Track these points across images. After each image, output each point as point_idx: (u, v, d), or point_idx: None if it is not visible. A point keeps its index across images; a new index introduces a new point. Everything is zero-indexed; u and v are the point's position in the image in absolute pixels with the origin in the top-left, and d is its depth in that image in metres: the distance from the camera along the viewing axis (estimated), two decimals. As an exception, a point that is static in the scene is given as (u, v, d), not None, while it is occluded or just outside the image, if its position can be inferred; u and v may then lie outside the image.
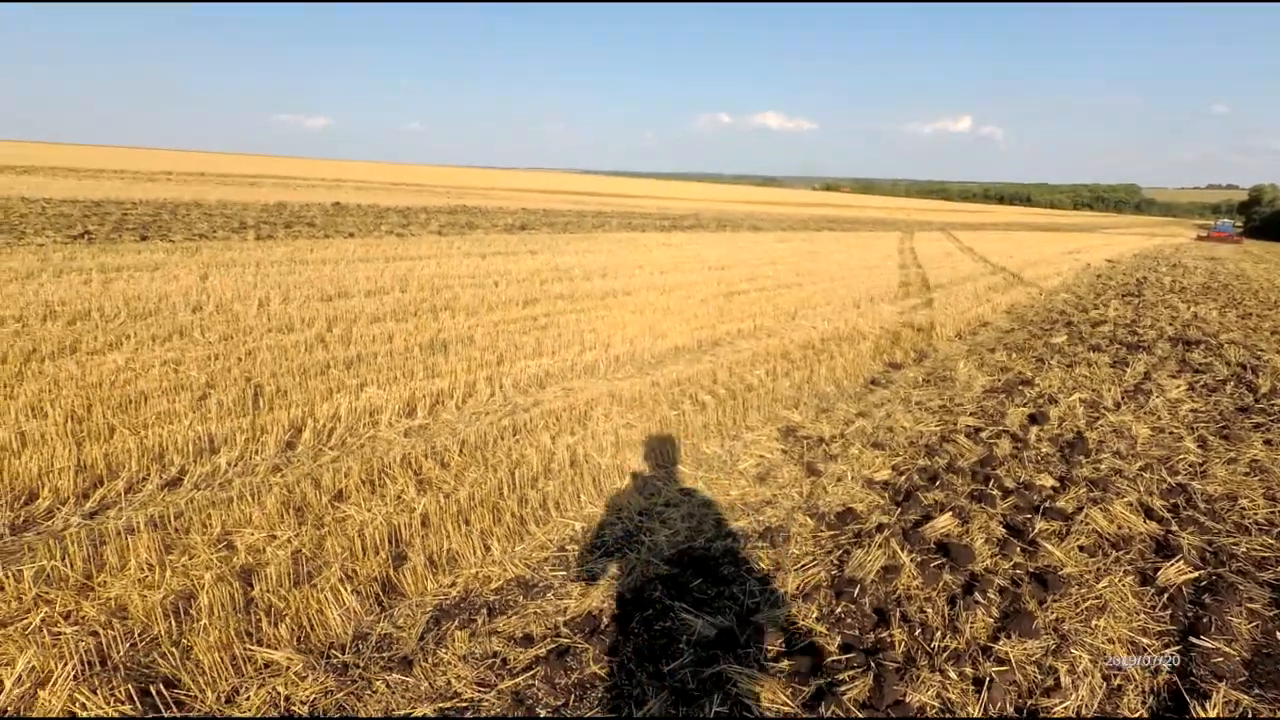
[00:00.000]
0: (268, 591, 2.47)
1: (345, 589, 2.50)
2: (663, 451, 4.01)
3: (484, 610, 2.51)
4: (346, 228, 14.90)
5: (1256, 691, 2.27)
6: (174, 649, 2.16)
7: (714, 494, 3.53)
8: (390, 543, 2.90)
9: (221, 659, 2.13)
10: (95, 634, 2.20)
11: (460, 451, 3.81)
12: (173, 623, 2.28)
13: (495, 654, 2.29)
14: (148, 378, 4.57)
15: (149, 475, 3.37)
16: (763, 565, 2.90)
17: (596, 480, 3.57)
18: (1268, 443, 4.62)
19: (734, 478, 3.77)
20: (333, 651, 2.25)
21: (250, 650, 2.19)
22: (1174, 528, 3.36)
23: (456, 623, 2.43)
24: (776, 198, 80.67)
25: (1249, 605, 2.76)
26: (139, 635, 2.24)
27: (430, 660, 2.23)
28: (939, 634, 2.49)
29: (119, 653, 2.15)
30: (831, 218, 39.93)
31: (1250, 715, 2.16)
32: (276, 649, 2.21)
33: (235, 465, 3.55)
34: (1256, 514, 3.56)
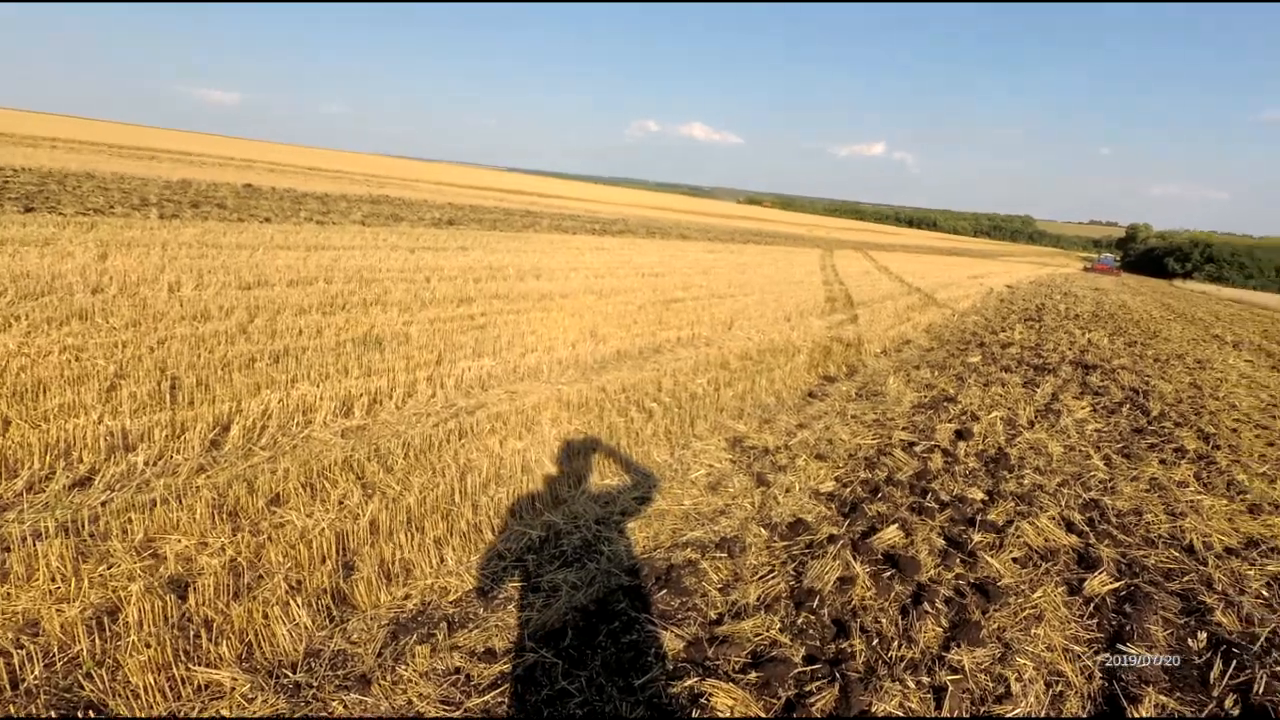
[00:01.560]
0: (204, 605, 2.27)
1: (293, 601, 2.33)
2: (614, 459, 3.97)
3: (444, 623, 2.40)
4: (261, 212, 14.07)
5: (1178, 695, 2.45)
6: (100, 670, 1.95)
7: (668, 503, 3.52)
8: (338, 551, 2.73)
9: (156, 680, 1.93)
10: (4, 654, 1.96)
11: (405, 454, 3.64)
12: (96, 640, 2.06)
13: (458, 670, 2.19)
14: (45, 365, 4.14)
15: (54, 474, 3.05)
16: (723, 575, 2.91)
17: (550, 487, 3.49)
18: (1162, 462, 5.03)
19: (686, 487, 3.77)
20: (282, 670, 2.09)
21: (189, 670, 2.00)
22: (1093, 541, 3.60)
23: (415, 637, 2.30)
24: (703, 208, 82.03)
25: (1163, 614, 2.98)
26: (57, 654, 2.01)
27: (390, 678, 2.11)
28: (895, 644, 2.56)
29: (33, 675, 1.92)
30: (756, 231, 40.93)
31: (1176, 716, 2.33)
32: (219, 668, 2.04)
33: (154, 465, 3.26)
34: (1160, 528, 3.86)
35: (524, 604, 2.56)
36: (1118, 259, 72.78)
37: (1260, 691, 2.47)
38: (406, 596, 2.54)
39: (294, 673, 2.08)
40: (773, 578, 2.90)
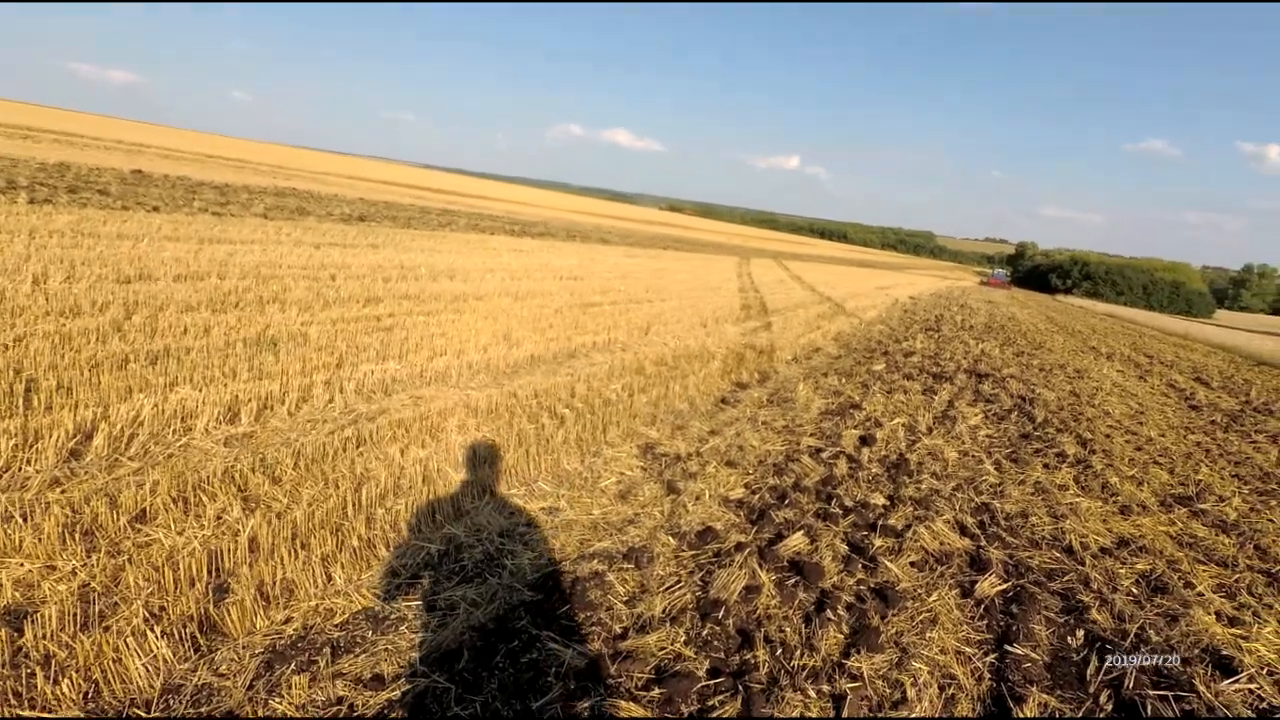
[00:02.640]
0: (45, 638, 2.02)
1: (152, 631, 2.11)
2: (522, 467, 3.85)
3: (327, 649, 2.23)
4: (150, 200, 13.04)
5: (1059, 692, 2.57)
6: (-95, 720, 1.69)
7: (576, 513, 3.44)
8: (210, 572, 2.50)
9: (-24, 729, 1.70)
10: None
11: (295, 464, 3.40)
12: (-96, 685, 1.79)
13: (341, 700, 2.03)
14: None
15: None
16: (629, 587, 2.85)
17: (453, 498, 3.34)
18: (1046, 466, 5.34)
19: (596, 495, 3.70)
20: (134, 710, 1.87)
21: (17, 714, 1.77)
22: (984, 543, 3.77)
23: (293, 665, 2.13)
24: (624, 213, 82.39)
25: (1046, 613, 3.14)
26: None
27: (260, 712, 1.93)
28: (798, 653, 2.57)
29: None
30: (676, 237, 41.42)
31: (1056, 715, 2.44)
32: (55, 710, 1.81)
33: (-2, 478, 2.91)
34: (1044, 530, 4.08)
35: (418, 624, 2.42)
36: (1009, 274, 78.14)
37: (1130, 686, 2.62)
38: (287, 620, 2.35)
39: (148, 711, 1.87)
40: (679, 589, 2.87)
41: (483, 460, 3.79)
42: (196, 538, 2.65)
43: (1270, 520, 4.71)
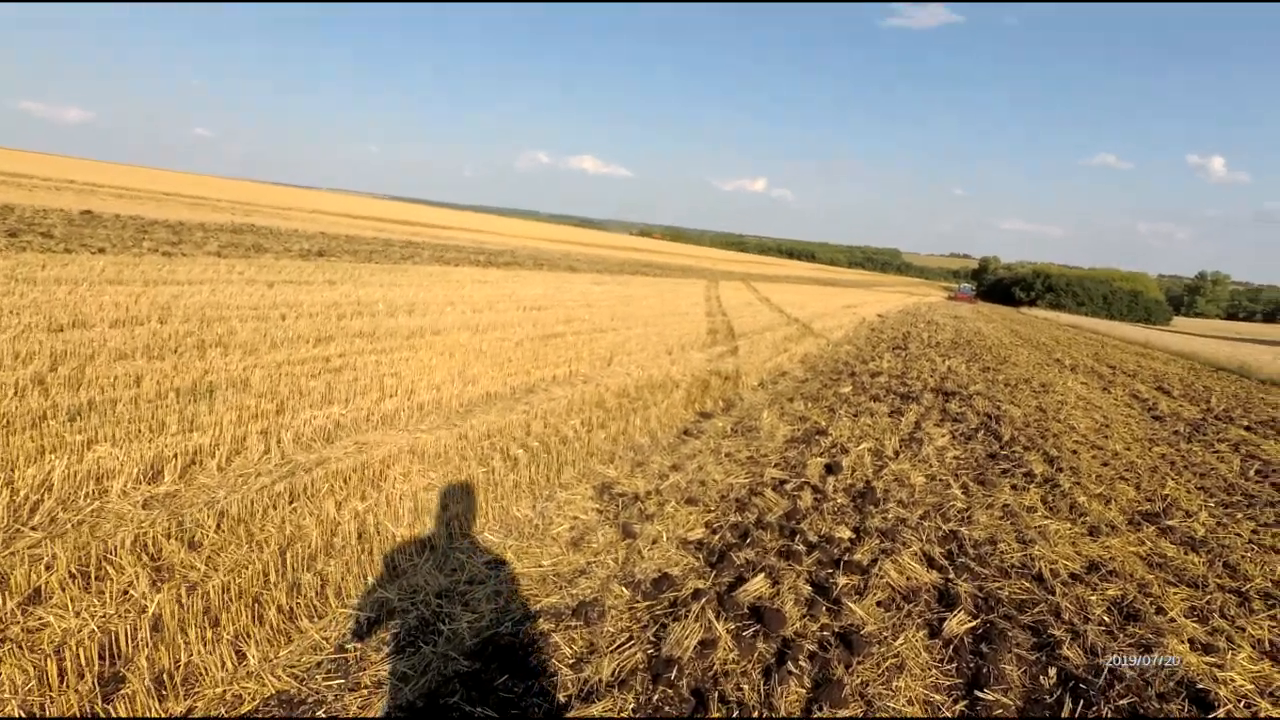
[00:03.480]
0: (-108, 755, 1.77)
1: (22, 738, 1.87)
2: (468, 517, 3.65)
3: (229, 745, 2.00)
4: (96, 241, 12.64)
5: (1032, 743, 2.43)
6: None
7: (524, 565, 3.24)
8: (105, 659, 2.26)
9: None
10: None
11: (218, 526, 3.16)
12: None
13: (240, 806, 1.80)
14: None
15: None
16: (577, 648, 2.66)
17: (389, 556, 3.12)
18: (1014, 487, 5.26)
19: (546, 544, 3.50)
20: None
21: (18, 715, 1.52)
22: (952, 575, 3.63)
23: (188, 768, 1.90)
24: (593, 240, 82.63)
25: (1017, 651, 3.00)
26: None
27: (144, 829, 1.70)
28: (756, 713, 2.40)
29: None
30: (645, 262, 41.52)
31: (1030, 770, 2.29)
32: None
33: (-126, 559, 2.63)
34: (1013, 557, 3.96)
35: (338, 708, 2.20)
36: (974, 288, 79.83)
37: (1105, 730, 2.49)
38: (188, 712, 2.11)
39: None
40: (630, 647, 2.68)
41: (424, 511, 3.57)
42: (95, 619, 2.40)
43: (1237, 534, 4.66)
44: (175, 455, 3.81)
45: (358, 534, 3.26)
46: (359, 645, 2.51)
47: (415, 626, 2.67)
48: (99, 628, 2.36)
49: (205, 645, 2.35)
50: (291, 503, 3.51)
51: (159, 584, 2.66)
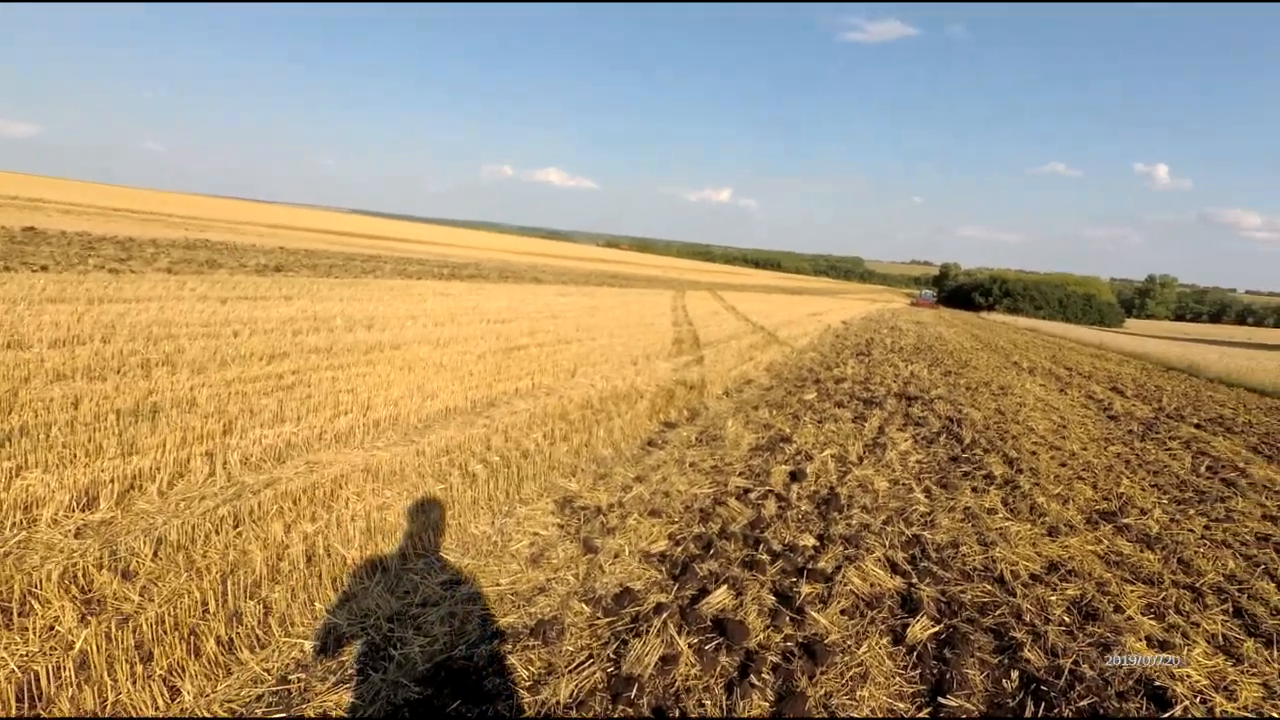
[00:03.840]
0: None
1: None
2: (424, 536, 3.53)
3: (157, 790, 1.87)
4: (38, 259, 12.17)
5: (995, 749, 2.41)
6: None
7: (482, 584, 3.14)
8: (23, 700, 2.11)
9: None
10: None
11: (155, 554, 3.00)
12: None
13: None
14: None
15: None
16: (534, 669, 2.57)
17: (338, 580, 3.00)
18: (975, 490, 5.30)
19: (505, 562, 3.41)
20: None
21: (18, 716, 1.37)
22: (915, 580, 3.63)
23: (110, 817, 1.77)
24: (560, 251, 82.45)
25: (979, 655, 2.99)
26: None
27: None
28: (718, 730, 2.34)
29: None
30: (612, 274, 41.53)
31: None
32: None
33: None
34: (975, 560, 3.98)
35: (277, 744, 2.09)
36: (935, 294, 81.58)
37: (1067, 732, 2.48)
38: (113, 756, 1.98)
39: None
40: (590, 666, 2.60)
41: (377, 532, 3.45)
42: (14, 658, 2.25)
43: (1190, 530, 4.76)
44: (112, 480, 3.63)
45: (306, 557, 3.13)
46: (303, 676, 2.39)
47: (365, 653, 2.55)
48: (19, 667, 2.21)
49: (135, 683, 2.21)
50: (236, 527, 3.35)
51: (88, 618, 2.51)
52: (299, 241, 29.67)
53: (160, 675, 2.27)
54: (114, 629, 2.44)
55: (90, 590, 2.71)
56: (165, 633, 2.47)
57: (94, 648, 2.32)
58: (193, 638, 2.48)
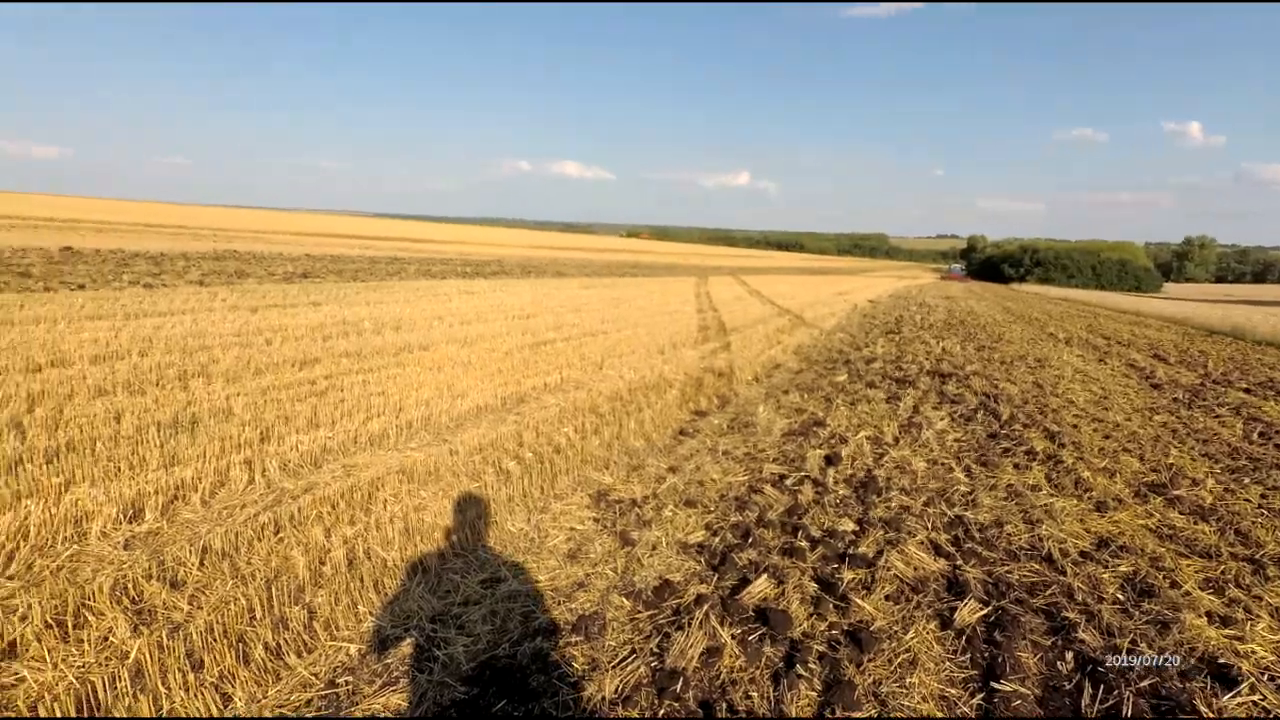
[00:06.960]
0: None
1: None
2: (461, 535, 3.55)
3: (214, 797, 1.90)
4: (76, 278, 12.49)
5: (1054, 733, 2.34)
6: None
7: (520, 582, 3.14)
8: (84, 708, 2.15)
9: None
10: None
11: (201, 563, 3.06)
12: None
13: None
14: None
15: None
16: (578, 666, 2.56)
17: (379, 582, 3.02)
18: (1016, 466, 5.18)
19: (543, 558, 3.41)
20: None
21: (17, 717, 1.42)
22: (960, 562, 3.55)
23: (171, 825, 1.80)
24: (581, 243, 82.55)
25: (1031, 637, 2.91)
26: None
27: None
28: (766, 722, 2.31)
29: None
30: (633, 263, 41.45)
31: (1054, 762, 2.21)
32: None
33: None
34: (1020, 539, 3.88)
35: (329, 747, 2.10)
36: (964, 268, 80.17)
37: (1129, 714, 2.40)
38: (171, 764, 2.02)
39: None
40: (633, 661, 2.59)
41: (415, 532, 3.47)
42: (72, 670, 2.30)
43: (1246, 500, 4.60)
44: (156, 491, 3.70)
45: (347, 561, 3.16)
46: (350, 679, 2.41)
47: (410, 655, 2.57)
48: (76, 679, 2.26)
49: (188, 690, 2.25)
50: (278, 533, 3.40)
51: (140, 628, 2.56)
52: (324, 248, 30.09)
53: (212, 682, 2.30)
54: (165, 638, 2.48)
55: (141, 601, 2.76)
56: (215, 640, 2.51)
57: (147, 657, 2.37)
58: (241, 644, 2.51)
